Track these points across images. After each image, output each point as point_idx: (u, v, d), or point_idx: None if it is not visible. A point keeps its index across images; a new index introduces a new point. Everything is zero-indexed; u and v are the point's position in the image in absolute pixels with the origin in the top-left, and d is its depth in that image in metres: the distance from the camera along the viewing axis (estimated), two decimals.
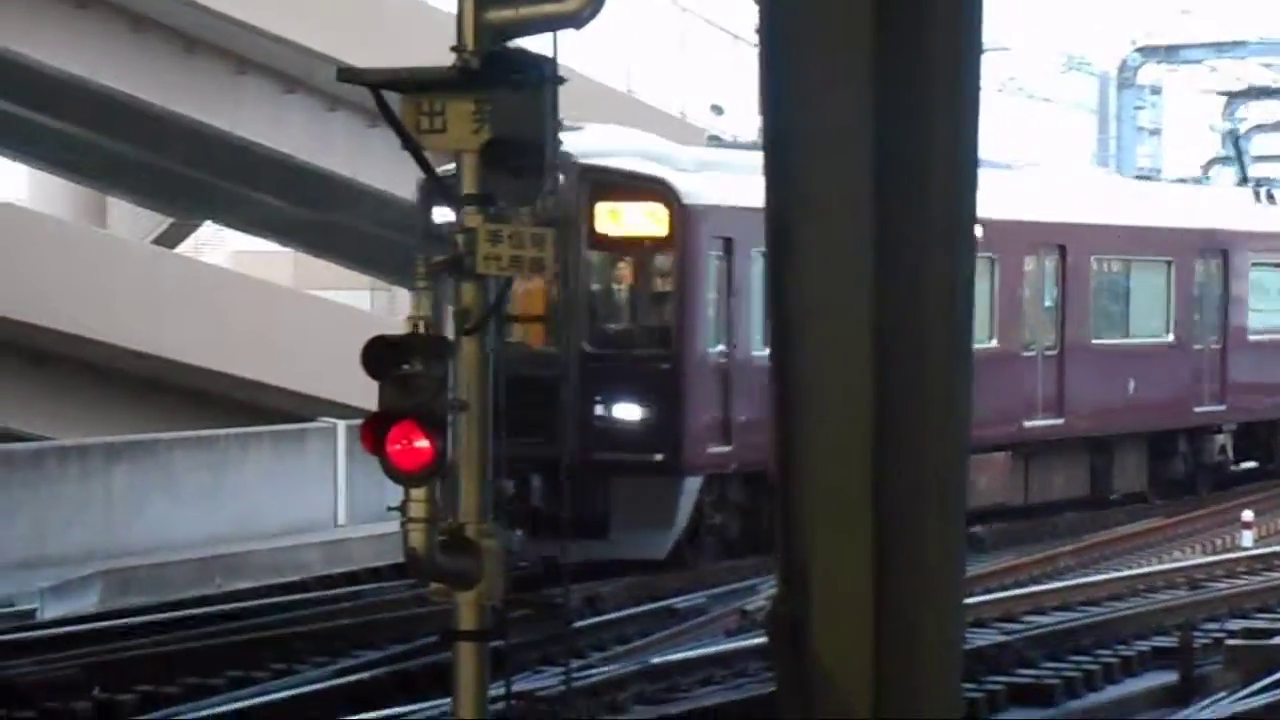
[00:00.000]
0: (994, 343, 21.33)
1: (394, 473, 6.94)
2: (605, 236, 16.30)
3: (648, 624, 15.82)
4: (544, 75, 6.63)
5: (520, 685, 8.04)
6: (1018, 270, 21.64)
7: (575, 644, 13.90)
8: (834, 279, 6.74)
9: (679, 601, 16.46)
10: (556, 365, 14.70)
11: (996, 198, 20.17)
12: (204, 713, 12.10)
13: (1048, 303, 22.11)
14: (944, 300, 6.37)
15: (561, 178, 14.58)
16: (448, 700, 7.08)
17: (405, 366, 6.89)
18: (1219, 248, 24.38)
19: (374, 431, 6.92)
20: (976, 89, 7.26)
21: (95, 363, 24.90)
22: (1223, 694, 13.27)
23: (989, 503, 19.68)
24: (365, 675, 13.44)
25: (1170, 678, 14.13)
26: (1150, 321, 23.77)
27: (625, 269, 16.65)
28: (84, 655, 13.47)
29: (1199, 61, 39.30)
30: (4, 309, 22.84)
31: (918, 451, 6.26)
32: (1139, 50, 39.03)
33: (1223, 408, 23.65)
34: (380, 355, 6.83)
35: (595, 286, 16.72)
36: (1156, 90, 40.34)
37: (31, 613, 17.22)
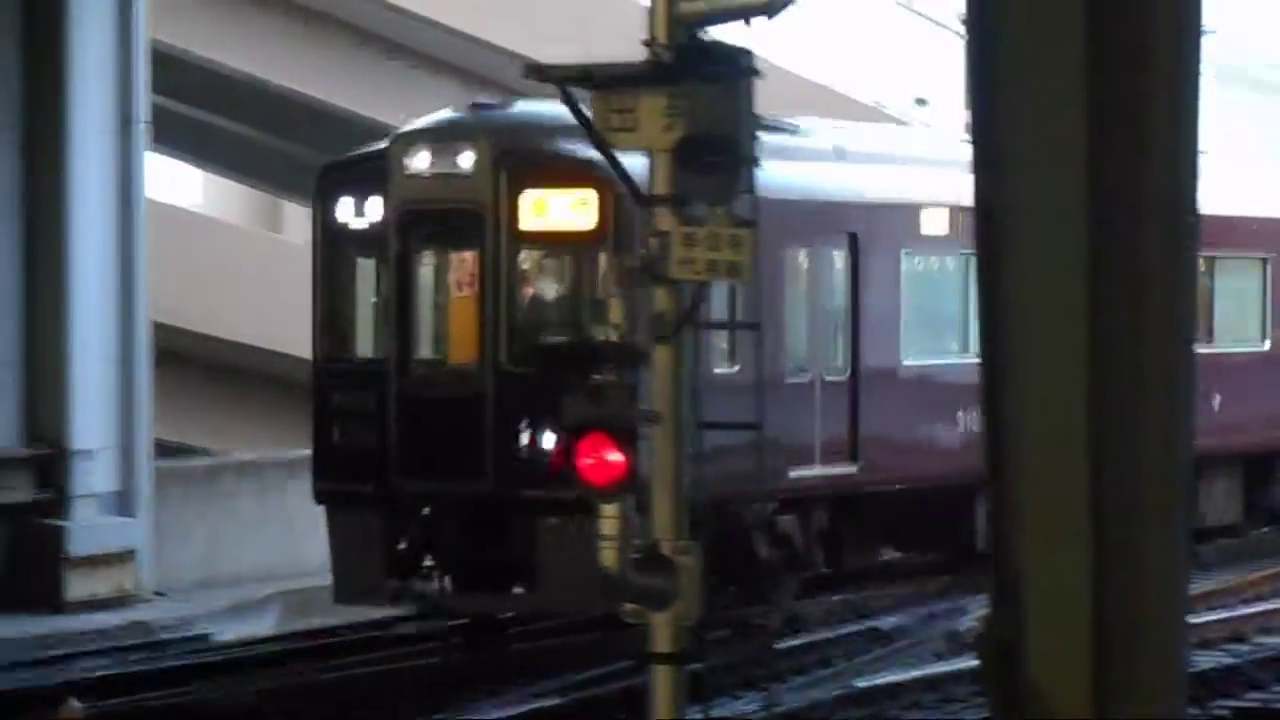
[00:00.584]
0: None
1: (584, 489, 6.84)
2: (529, 232, 13.94)
3: (852, 645, 15.51)
4: (740, 68, 6.63)
5: (719, 711, 7.91)
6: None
7: (777, 667, 13.60)
8: (1046, 281, 6.59)
9: (885, 622, 16.12)
10: (477, 385, 13.20)
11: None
12: None
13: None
14: (1165, 299, 6.19)
15: (473, 159, 13.15)
16: None
17: (595, 376, 6.81)
18: None
19: (563, 445, 6.83)
20: (1197, 74, 7.04)
21: (276, 375, 25.19)
22: None
23: None
24: (554, 702, 13.14)
25: None
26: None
27: (553, 269, 14.44)
28: (260, 680, 13.48)
29: None
30: (179, 319, 22.95)
31: (1138, 462, 6.11)
32: None
33: None
34: (556, 360, 6.76)
35: (519, 291, 14.08)
36: None
37: (206, 636, 16.89)
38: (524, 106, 14.72)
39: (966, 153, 6.89)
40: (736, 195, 6.54)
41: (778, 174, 13.79)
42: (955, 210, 17.10)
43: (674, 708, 6.41)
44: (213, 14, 22.40)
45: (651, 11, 6.60)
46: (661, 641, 6.51)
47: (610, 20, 19.42)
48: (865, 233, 16.49)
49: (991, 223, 6.92)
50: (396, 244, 13.36)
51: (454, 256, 13.95)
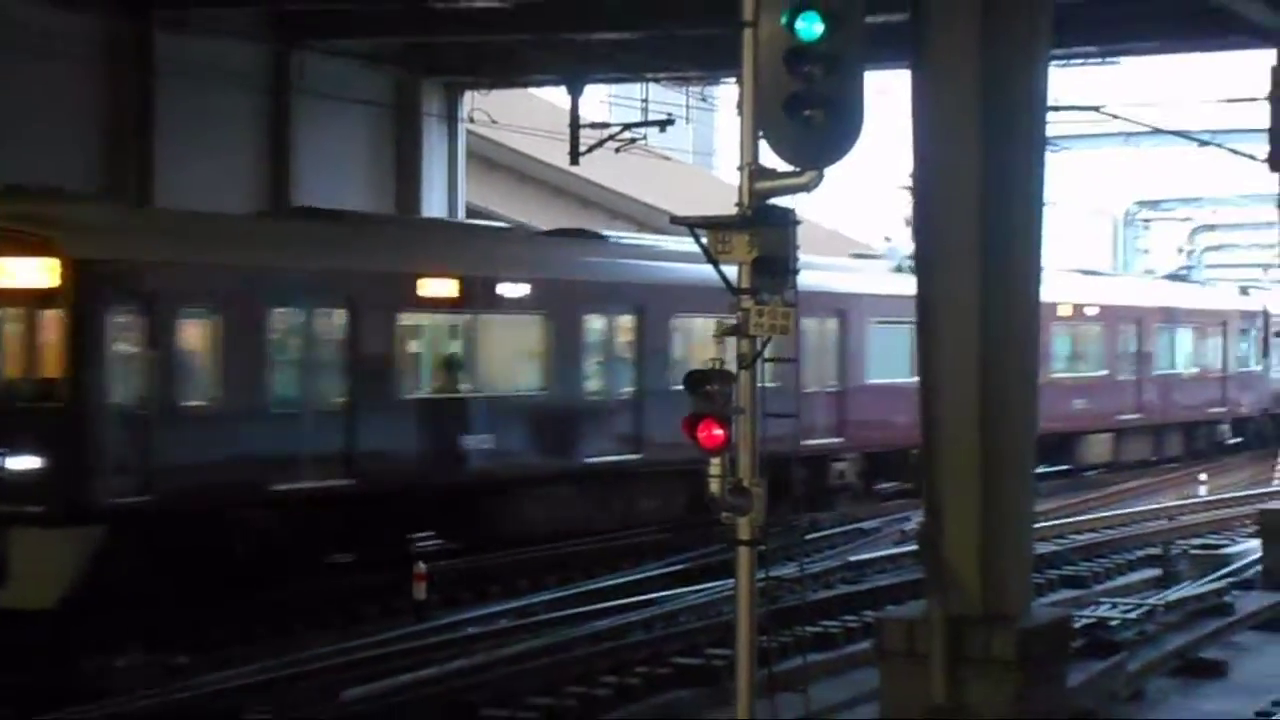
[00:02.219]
0: None
1: (703, 450, 11.21)
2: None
3: (847, 537, 27.61)
4: (787, 220, 10.84)
5: (774, 572, 11.92)
6: None
7: (805, 548, 23.70)
8: (955, 338, 12.98)
9: (867, 524, 28.63)
10: None
11: None
12: None
13: None
14: (1021, 351, 13.13)
15: None
16: (733, 580, 11.19)
17: (709, 386, 11.24)
18: None
19: (690, 425, 11.23)
20: (1040, 229, 13.87)
21: None
22: (1187, 582, 20.90)
23: None
24: (683, 567, 23.35)
25: (1157, 572, 22.68)
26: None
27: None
28: None
29: (1173, 209, 66.19)
30: None
31: (1006, 436, 13.01)
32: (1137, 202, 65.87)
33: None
34: (694, 380, 11.40)
35: None
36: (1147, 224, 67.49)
37: None
38: None
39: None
40: (785, 289, 10.94)
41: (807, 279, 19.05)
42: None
43: (750, 572, 11.19)
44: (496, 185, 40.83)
45: (740, 188, 10.96)
46: (743, 533, 10.91)
47: (706, 189, 34.15)
48: (852, 310, 30.73)
49: (925, 305, 12.97)
50: None
51: None
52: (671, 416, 22.99)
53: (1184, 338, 42.97)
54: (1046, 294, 14.74)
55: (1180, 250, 65.97)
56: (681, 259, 26.74)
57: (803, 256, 28.04)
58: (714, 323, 27.89)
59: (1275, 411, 47.89)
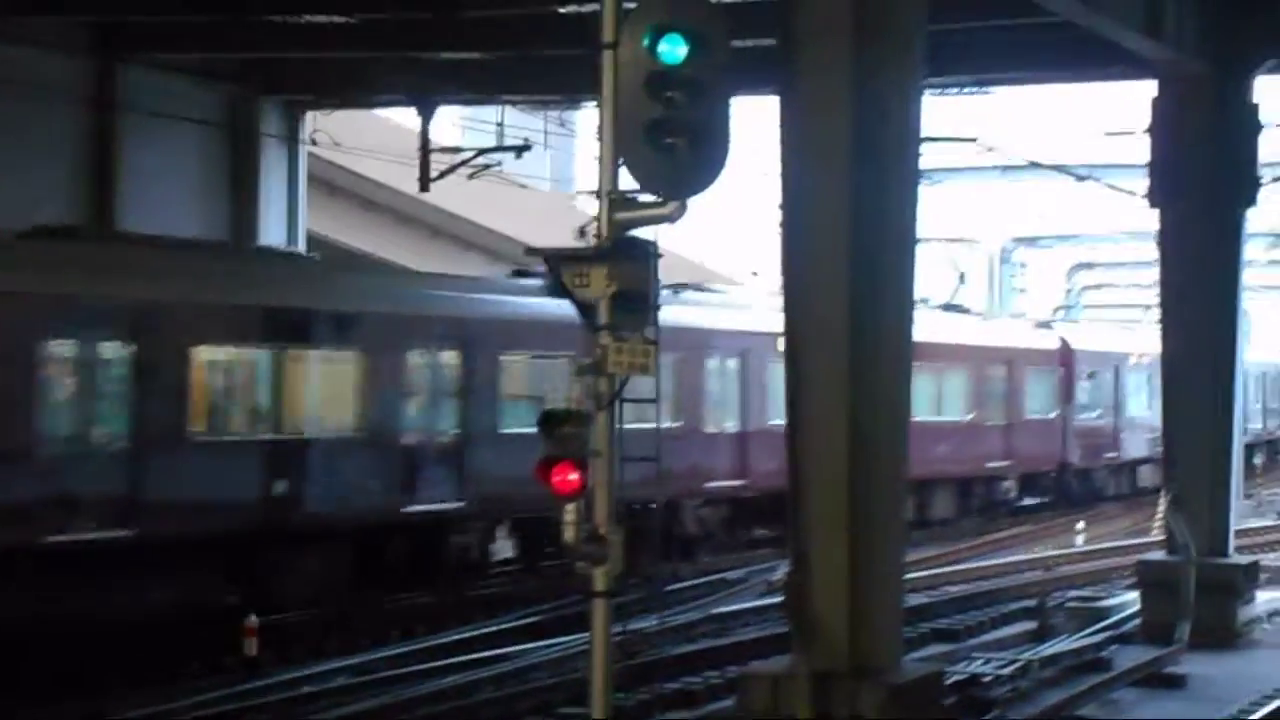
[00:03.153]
0: None
1: (555, 496, 11.14)
2: None
3: (711, 588, 27.18)
4: (649, 252, 10.75)
5: (632, 625, 11.88)
6: None
7: (666, 600, 23.42)
8: (823, 378, 13.04)
9: (731, 575, 28.55)
10: None
11: None
12: None
13: None
14: (893, 394, 13.20)
15: None
16: (588, 634, 11.04)
17: (564, 428, 11.17)
18: None
19: (544, 469, 11.17)
20: (913, 219, 13.87)
21: None
22: (1064, 636, 21.17)
23: None
24: (537, 619, 23.26)
25: (1032, 625, 22.67)
26: None
27: None
28: None
29: (1051, 246, 66.13)
30: None
31: (876, 480, 13.06)
32: (1014, 239, 64.57)
33: None
34: (548, 421, 11.34)
35: None
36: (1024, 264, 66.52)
37: None
38: None
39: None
40: (646, 326, 10.82)
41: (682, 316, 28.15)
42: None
43: (606, 625, 11.11)
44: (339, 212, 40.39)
45: (599, 219, 10.94)
46: (599, 584, 10.86)
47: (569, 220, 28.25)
48: (751, 351, 31.03)
49: (792, 341, 12.97)
50: None
51: None
52: (501, 459, 24.03)
53: (949, 380, 38.00)
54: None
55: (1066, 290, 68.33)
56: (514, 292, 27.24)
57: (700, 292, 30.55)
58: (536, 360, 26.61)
59: (1082, 466, 43.94)
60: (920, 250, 14.90)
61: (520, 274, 28.25)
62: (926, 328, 36.52)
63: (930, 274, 41.72)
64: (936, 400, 36.58)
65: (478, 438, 25.43)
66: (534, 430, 11.36)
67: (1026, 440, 40.58)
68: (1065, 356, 43.24)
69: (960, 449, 37.08)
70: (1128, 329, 50.97)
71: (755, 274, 36.65)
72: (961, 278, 39.77)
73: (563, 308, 21.12)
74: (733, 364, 30.80)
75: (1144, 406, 44.21)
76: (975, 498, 38.64)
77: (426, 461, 24.84)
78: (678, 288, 30.65)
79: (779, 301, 14.91)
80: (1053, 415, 42.45)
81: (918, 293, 15.27)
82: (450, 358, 25.57)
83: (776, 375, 31.29)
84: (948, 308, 41.48)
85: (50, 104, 26.91)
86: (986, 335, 40.92)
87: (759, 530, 31.56)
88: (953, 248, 50.64)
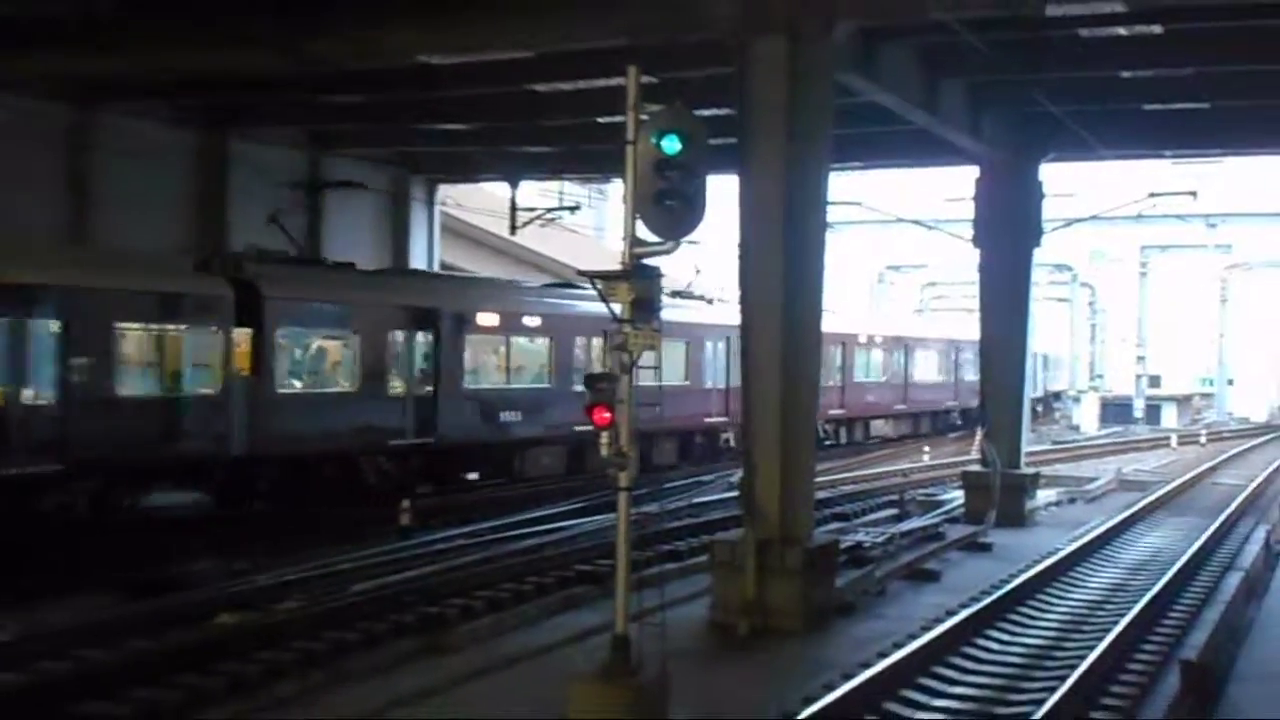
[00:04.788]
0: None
1: (597, 428, 11.22)
2: None
3: (691, 485, 25.58)
4: (655, 275, 10.64)
5: (643, 509, 11.79)
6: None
7: (664, 491, 22.15)
8: (765, 352, 13.11)
9: (705, 476, 27.00)
10: None
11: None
12: None
13: None
14: (805, 364, 13.26)
15: None
16: (614, 514, 11.00)
17: (600, 384, 11.25)
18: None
19: (588, 410, 11.24)
20: (823, 251, 13.93)
21: None
22: (915, 518, 20.94)
23: None
24: (581, 505, 21.82)
25: (895, 512, 22.09)
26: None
27: None
28: None
29: (910, 271, 63.30)
30: None
31: (796, 417, 13.16)
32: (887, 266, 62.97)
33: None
34: (590, 380, 11.39)
35: None
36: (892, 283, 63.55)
37: None
38: None
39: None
40: (654, 319, 10.82)
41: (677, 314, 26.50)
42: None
43: (627, 508, 11.31)
44: (459, 248, 36.27)
45: (625, 253, 10.89)
46: (622, 482, 10.80)
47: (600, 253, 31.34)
48: (730, 336, 24.75)
49: (746, 333, 13.07)
50: None
51: None
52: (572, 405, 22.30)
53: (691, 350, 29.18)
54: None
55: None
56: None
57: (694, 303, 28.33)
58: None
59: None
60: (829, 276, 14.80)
61: (560, 285, 28.00)
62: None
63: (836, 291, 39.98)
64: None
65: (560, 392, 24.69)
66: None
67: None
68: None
69: (683, 406, 28.93)
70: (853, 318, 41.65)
71: (699, 271, 32.64)
72: (697, 270, 32.50)
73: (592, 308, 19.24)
74: (720, 345, 29.79)
75: (875, 373, 39.11)
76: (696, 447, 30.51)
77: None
78: (682, 294, 30.12)
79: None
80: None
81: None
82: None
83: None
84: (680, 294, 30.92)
85: (282, 188, 26.71)
86: (712, 315, 31.11)
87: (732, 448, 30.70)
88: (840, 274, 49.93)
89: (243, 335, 18.80)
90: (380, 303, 21.46)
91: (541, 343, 24.84)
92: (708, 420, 30.12)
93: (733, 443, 30.38)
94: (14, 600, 14.49)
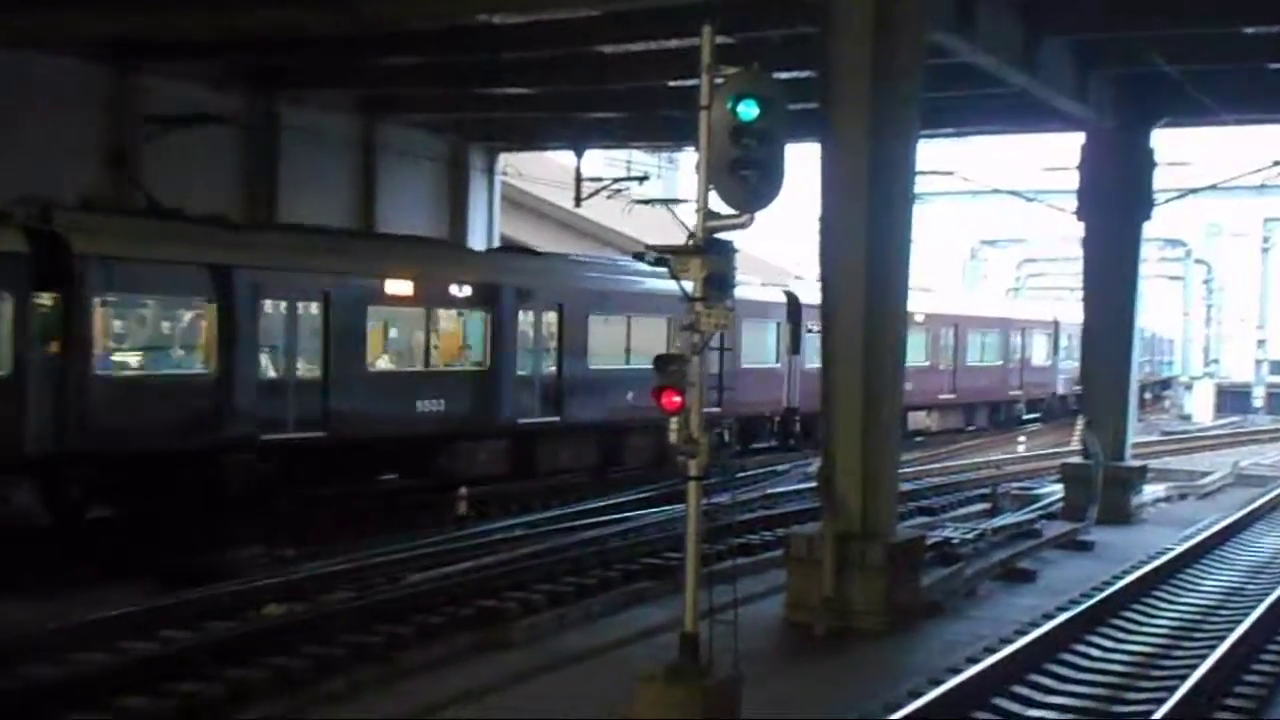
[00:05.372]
0: None
1: (665, 412, 11.25)
2: None
3: (763, 474, 25.94)
4: (729, 249, 10.52)
5: (714, 499, 11.30)
6: None
7: (737, 483, 20.43)
8: (846, 335, 13.03)
9: (780, 466, 27.04)
10: None
11: None
12: None
13: None
14: (897, 334, 13.16)
15: None
16: (684, 504, 10.87)
17: (671, 366, 11.28)
18: None
19: (657, 394, 11.27)
20: (909, 230, 13.88)
21: None
22: (1008, 513, 20.53)
23: None
24: (649, 494, 22.11)
25: (986, 506, 21.88)
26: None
27: None
28: None
29: (1006, 247, 64.89)
30: None
31: (881, 405, 13.10)
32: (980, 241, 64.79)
33: None
34: (660, 361, 11.41)
35: None
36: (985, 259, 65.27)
37: None
38: None
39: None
40: (727, 297, 10.75)
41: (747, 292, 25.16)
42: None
43: (698, 498, 11.22)
44: (520, 221, 36.98)
45: (696, 226, 10.73)
46: (692, 470, 10.72)
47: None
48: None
49: (827, 314, 13.03)
50: None
51: None
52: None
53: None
54: None
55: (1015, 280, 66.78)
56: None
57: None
58: None
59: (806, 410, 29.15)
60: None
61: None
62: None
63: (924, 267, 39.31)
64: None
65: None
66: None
67: (748, 386, 27.63)
68: (793, 311, 30.37)
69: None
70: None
71: (799, 278, 33.17)
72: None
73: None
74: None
75: (990, 357, 41.36)
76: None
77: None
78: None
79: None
80: (777, 364, 30.33)
81: None
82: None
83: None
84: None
85: (335, 150, 27.15)
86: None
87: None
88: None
89: (47, 302, 15.56)
90: (249, 264, 17.67)
91: (480, 315, 21.31)
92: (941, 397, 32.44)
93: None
94: (51, 590, 14.82)
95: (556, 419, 22.36)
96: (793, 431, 30.50)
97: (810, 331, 28.72)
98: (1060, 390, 43.76)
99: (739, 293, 11.57)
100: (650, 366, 11.71)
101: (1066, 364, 43.26)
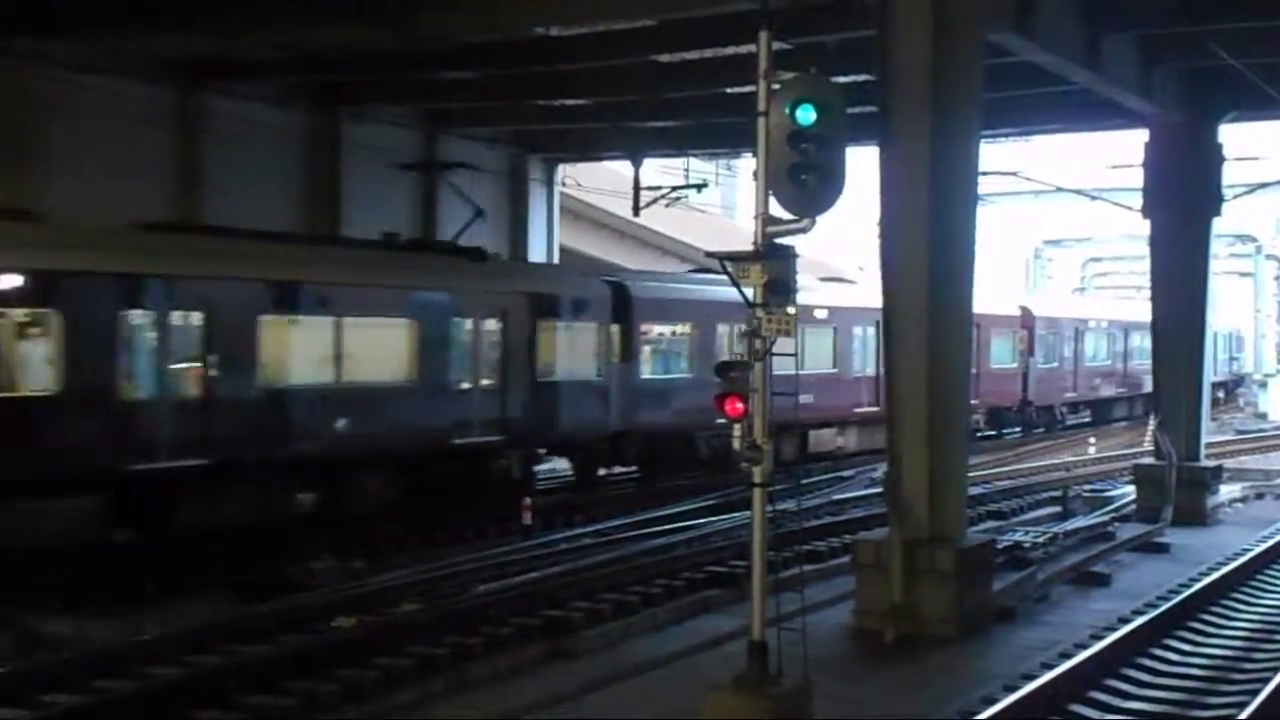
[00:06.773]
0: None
1: (728, 419, 11.23)
2: None
3: (831, 480, 26.04)
4: (789, 254, 10.40)
5: (779, 506, 11.66)
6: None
7: (802, 489, 21.09)
8: (908, 339, 12.96)
9: (845, 471, 27.29)
10: None
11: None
12: None
13: None
14: (955, 351, 13.08)
15: None
16: (749, 511, 10.75)
17: (733, 373, 11.25)
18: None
19: (719, 400, 11.24)
20: (973, 227, 13.77)
21: None
22: (1080, 516, 20.59)
23: None
24: (714, 501, 22.70)
25: (1058, 509, 21.97)
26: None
27: None
28: None
29: (1070, 246, 65.26)
30: None
31: (946, 409, 13.00)
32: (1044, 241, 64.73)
33: None
34: (723, 367, 11.38)
35: None
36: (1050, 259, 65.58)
37: None
38: None
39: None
40: (789, 303, 10.62)
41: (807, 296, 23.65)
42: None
43: (763, 505, 11.39)
44: (579, 231, 37.81)
45: (756, 233, 10.70)
46: (757, 477, 10.57)
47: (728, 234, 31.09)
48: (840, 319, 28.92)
49: (888, 316, 13.01)
50: None
51: None
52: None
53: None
54: None
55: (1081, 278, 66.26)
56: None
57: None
58: None
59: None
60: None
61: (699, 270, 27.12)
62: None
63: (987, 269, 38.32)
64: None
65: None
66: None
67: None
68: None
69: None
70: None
71: (862, 268, 34.94)
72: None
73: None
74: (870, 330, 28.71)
75: (1101, 358, 42.37)
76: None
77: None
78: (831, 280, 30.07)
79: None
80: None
81: None
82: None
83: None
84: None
85: (399, 172, 27.35)
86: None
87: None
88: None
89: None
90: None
91: (401, 326, 18.56)
92: (857, 411, 28.19)
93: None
94: (129, 604, 15.03)
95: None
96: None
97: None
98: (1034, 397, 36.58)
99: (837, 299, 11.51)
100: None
101: (1046, 366, 37.14)
